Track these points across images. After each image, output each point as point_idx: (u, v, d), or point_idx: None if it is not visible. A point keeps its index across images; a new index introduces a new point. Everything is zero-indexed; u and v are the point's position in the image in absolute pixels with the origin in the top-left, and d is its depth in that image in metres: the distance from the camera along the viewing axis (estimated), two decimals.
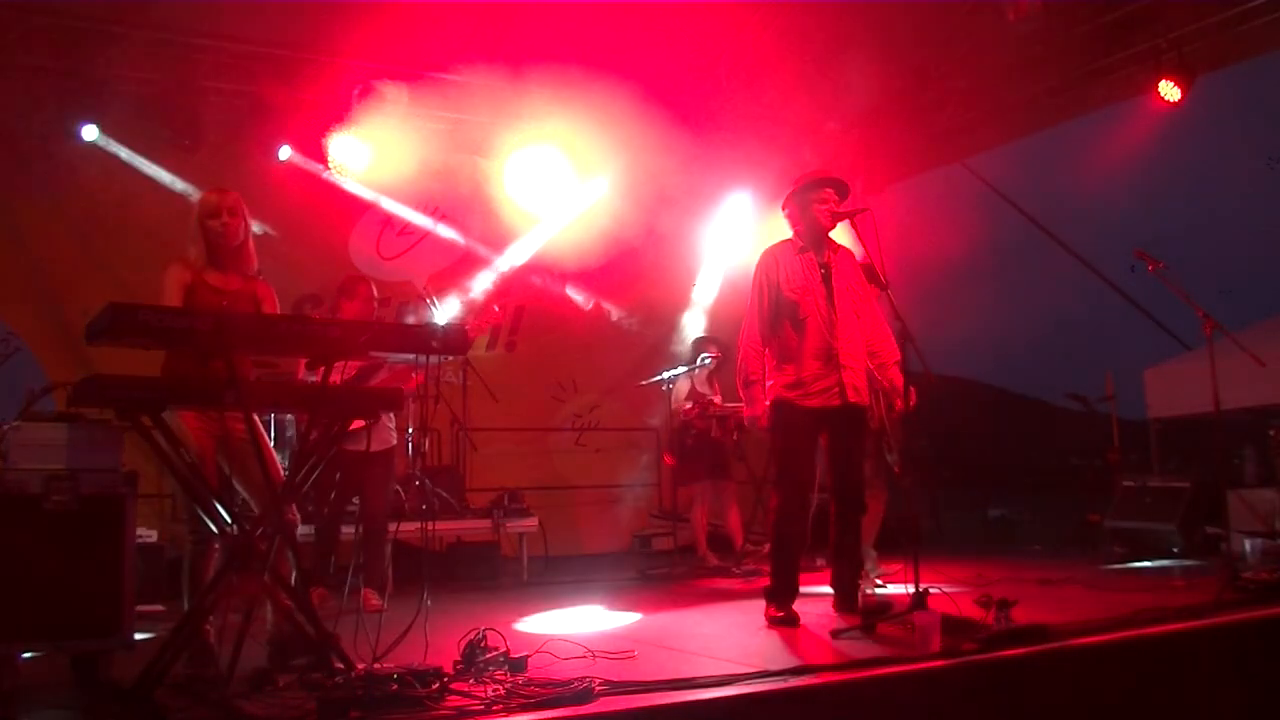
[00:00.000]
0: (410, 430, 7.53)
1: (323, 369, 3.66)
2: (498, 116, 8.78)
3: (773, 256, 5.01)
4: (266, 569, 3.53)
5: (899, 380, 4.95)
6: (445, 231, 9.33)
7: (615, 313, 9.91)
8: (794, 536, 4.89)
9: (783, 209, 5.12)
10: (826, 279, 4.90)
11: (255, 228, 4.27)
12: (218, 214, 4.07)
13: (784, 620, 4.71)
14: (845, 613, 4.74)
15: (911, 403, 4.94)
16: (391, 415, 6.22)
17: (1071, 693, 3.76)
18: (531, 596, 6.29)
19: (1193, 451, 9.43)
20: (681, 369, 7.72)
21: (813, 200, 4.95)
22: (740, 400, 5.09)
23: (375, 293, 6.28)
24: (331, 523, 6.23)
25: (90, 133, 7.54)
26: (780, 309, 4.91)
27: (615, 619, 5.22)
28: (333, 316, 6.27)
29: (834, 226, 4.97)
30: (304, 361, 5.56)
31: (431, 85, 8.56)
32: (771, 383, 4.95)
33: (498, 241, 9.45)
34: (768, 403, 4.95)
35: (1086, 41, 8.33)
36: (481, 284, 9.37)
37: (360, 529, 6.07)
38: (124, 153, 7.79)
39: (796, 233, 5.04)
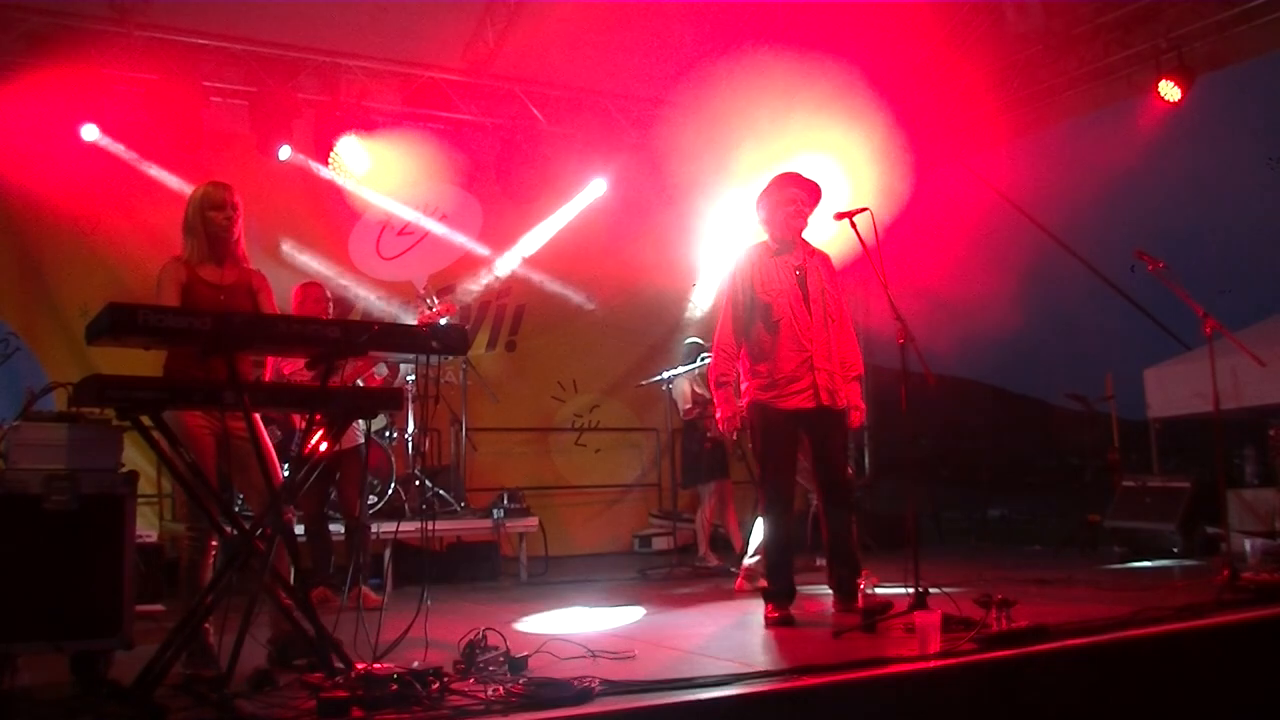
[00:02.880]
0: (411, 430, 7.54)
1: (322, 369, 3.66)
2: (496, 115, 8.80)
3: (747, 258, 4.97)
4: (266, 569, 3.53)
5: (857, 395, 5.00)
6: (445, 231, 9.33)
7: (614, 312, 9.91)
8: (784, 538, 4.88)
9: (756, 212, 5.11)
10: (802, 282, 4.89)
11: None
12: (222, 207, 4.07)
13: (783, 622, 4.70)
14: (845, 613, 4.73)
15: (856, 424, 5.03)
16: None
17: (1071, 693, 3.75)
18: (531, 596, 6.29)
19: (1193, 451, 9.42)
20: (680, 370, 7.72)
21: (781, 202, 4.93)
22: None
23: (328, 294, 6.37)
24: (322, 522, 6.24)
25: (90, 133, 7.54)
26: (754, 311, 4.88)
27: (615, 619, 5.21)
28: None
29: (805, 227, 4.96)
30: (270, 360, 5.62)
31: (431, 85, 8.58)
32: (747, 384, 4.95)
33: (498, 241, 9.46)
34: (744, 404, 4.96)
35: (1086, 41, 8.34)
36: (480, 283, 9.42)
37: (347, 528, 6.11)
38: (124, 153, 7.79)
39: (770, 235, 5.01)
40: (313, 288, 6.37)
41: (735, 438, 7.65)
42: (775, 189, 4.97)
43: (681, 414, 7.69)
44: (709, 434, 7.60)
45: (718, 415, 4.99)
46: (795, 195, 4.92)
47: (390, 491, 7.07)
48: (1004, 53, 8.73)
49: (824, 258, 5.05)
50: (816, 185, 5.00)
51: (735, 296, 4.94)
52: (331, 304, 6.40)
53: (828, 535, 4.94)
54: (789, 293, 4.85)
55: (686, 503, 8.30)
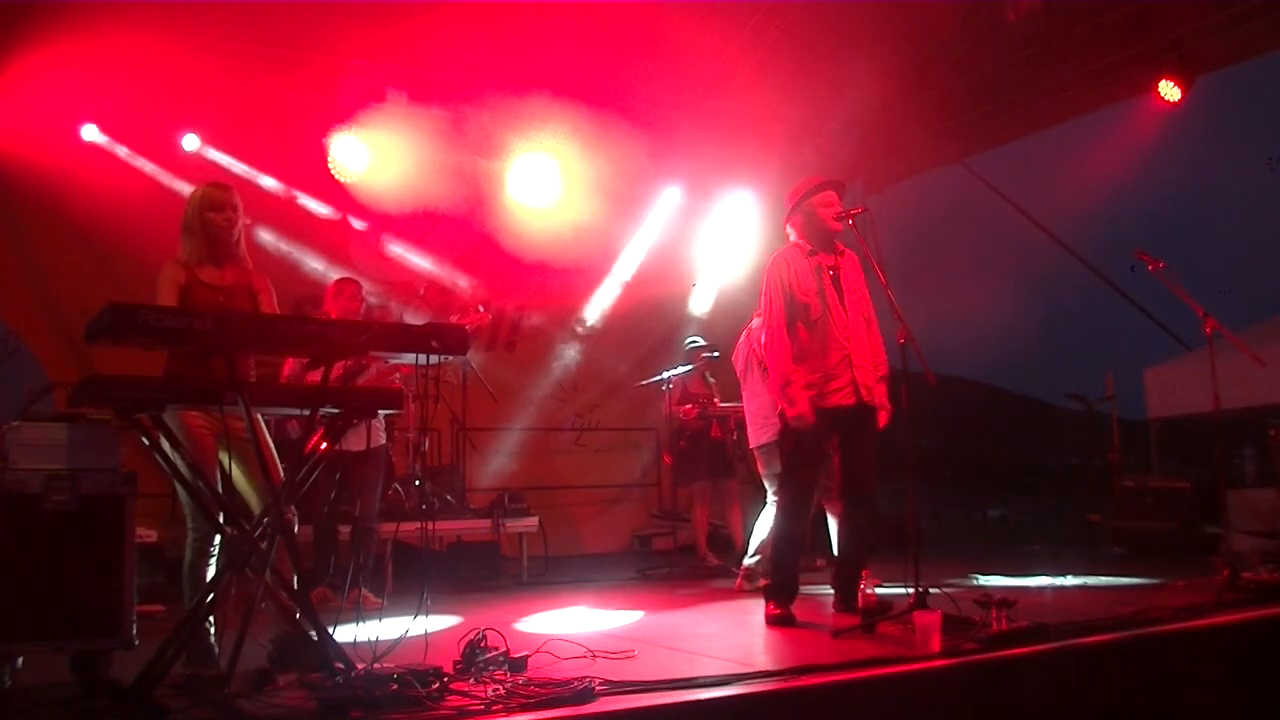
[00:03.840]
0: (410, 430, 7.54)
1: (323, 368, 3.65)
2: (497, 115, 8.80)
3: (784, 260, 5.02)
4: (266, 569, 3.52)
5: (884, 395, 4.99)
6: (445, 231, 9.33)
7: (615, 312, 9.92)
8: (795, 536, 4.91)
9: (786, 223, 5.13)
10: (836, 281, 4.94)
11: None
12: (222, 208, 4.05)
13: (783, 620, 4.71)
14: (845, 613, 4.74)
15: (882, 424, 4.96)
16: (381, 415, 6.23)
17: (1071, 693, 3.76)
18: (531, 596, 6.29)
19: (1193, 451, 9.44)
20: (680, 369, 7.72)
21: (817, 205, 4.98)
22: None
23: (363, 292, 6.33)
24: (330, 523, 6.24)
25: (90, 133, 7.53)
26: (794, 312, 4.92)
27: (615, 619, 5.22)
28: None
29: (841, 228, 4.99)
30: (289, 360, 5.60)
31: (431, 85, 8.58)
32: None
33: (499, 241, 9.45)
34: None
35: (1086, 41, 8.34)
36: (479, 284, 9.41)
37: (353, 528, 6.09)
38: (124, 153, 7.79)
39: (806, 237, 5.05)
40: (347, 284, 6.26)
41: (736, 437, 7.69)
42: (811, 192, 5.01)
43: (680, 415, 7.67)
44: (691, 433, 7.61)
45: (789, 413, 4.79)
46: (831, 197, 4.98)
47: (390, 491, 7.06)
48: (1004, 53, 8.73)
49: (852, 257, 5.10)
50: (843, 183, 5.08)
51: (778, 300, 4.94)
52: (365, 303, 6.33)
53: (842, 535, 4.96)
54: (826, 292, 4.90)
55: (687, 502, 8.29)
